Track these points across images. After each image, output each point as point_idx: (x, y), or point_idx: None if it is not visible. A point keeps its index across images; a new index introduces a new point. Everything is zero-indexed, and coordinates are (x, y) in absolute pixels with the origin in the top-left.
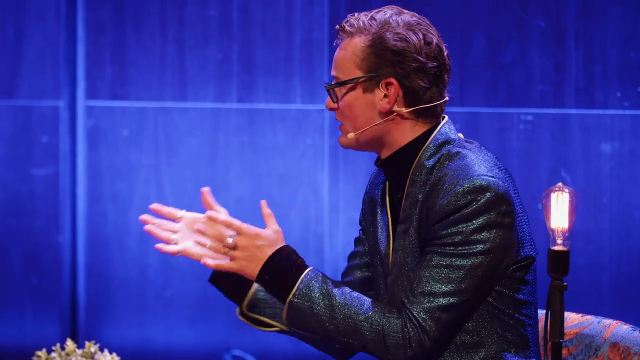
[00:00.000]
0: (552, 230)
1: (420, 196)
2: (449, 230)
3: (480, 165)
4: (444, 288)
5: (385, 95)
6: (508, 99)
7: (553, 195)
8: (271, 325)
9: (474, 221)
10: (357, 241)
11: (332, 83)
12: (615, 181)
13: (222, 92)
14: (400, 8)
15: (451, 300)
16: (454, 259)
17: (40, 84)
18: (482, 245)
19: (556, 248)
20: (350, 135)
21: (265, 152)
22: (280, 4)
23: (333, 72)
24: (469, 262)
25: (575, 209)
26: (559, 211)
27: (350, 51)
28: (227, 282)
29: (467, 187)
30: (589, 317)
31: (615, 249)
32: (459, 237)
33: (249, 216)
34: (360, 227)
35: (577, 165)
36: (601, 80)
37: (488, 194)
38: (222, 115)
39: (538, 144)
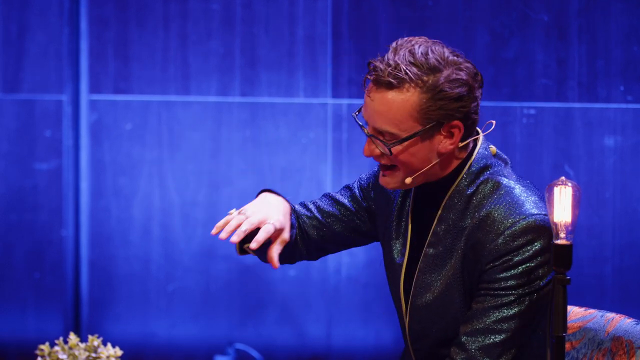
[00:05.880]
0: (555, 224)
1: (461, 225)
2: (510, 273)
3: (529, 201)
4: (506, 325)
5: (446, 137)
6: (511, 93)
7: (556, 189)
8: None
9: (534, 261)
10: (353, 199)
11: (385, 139)
12: (618, 175)
13: (225, 86)
14: (423, 38)
15: (514, 334)
16: (518, 298)
17: (43, 78)
18: (540, 281)
19: (559, 242)
20: (408, 180)
21: (268, 146)
22: None
23: (381, 126)
24: (529, 298)
25: (578, 203)
26: (562, 205)
27: (404, 105)
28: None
29: (523, 227)
30: (592, 310)
31: (618, 242)
32: (521, 279)
33: None
34: (362, 187)
35: (580, 159)
36: (604, 75)
37: (543, 235)
38: (224, 109)
39: (541, 138)
